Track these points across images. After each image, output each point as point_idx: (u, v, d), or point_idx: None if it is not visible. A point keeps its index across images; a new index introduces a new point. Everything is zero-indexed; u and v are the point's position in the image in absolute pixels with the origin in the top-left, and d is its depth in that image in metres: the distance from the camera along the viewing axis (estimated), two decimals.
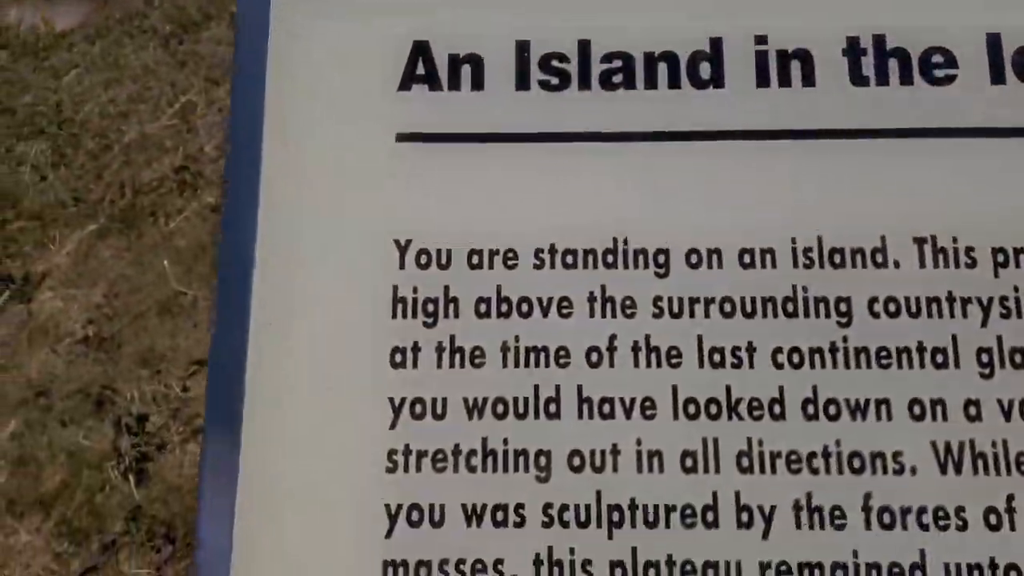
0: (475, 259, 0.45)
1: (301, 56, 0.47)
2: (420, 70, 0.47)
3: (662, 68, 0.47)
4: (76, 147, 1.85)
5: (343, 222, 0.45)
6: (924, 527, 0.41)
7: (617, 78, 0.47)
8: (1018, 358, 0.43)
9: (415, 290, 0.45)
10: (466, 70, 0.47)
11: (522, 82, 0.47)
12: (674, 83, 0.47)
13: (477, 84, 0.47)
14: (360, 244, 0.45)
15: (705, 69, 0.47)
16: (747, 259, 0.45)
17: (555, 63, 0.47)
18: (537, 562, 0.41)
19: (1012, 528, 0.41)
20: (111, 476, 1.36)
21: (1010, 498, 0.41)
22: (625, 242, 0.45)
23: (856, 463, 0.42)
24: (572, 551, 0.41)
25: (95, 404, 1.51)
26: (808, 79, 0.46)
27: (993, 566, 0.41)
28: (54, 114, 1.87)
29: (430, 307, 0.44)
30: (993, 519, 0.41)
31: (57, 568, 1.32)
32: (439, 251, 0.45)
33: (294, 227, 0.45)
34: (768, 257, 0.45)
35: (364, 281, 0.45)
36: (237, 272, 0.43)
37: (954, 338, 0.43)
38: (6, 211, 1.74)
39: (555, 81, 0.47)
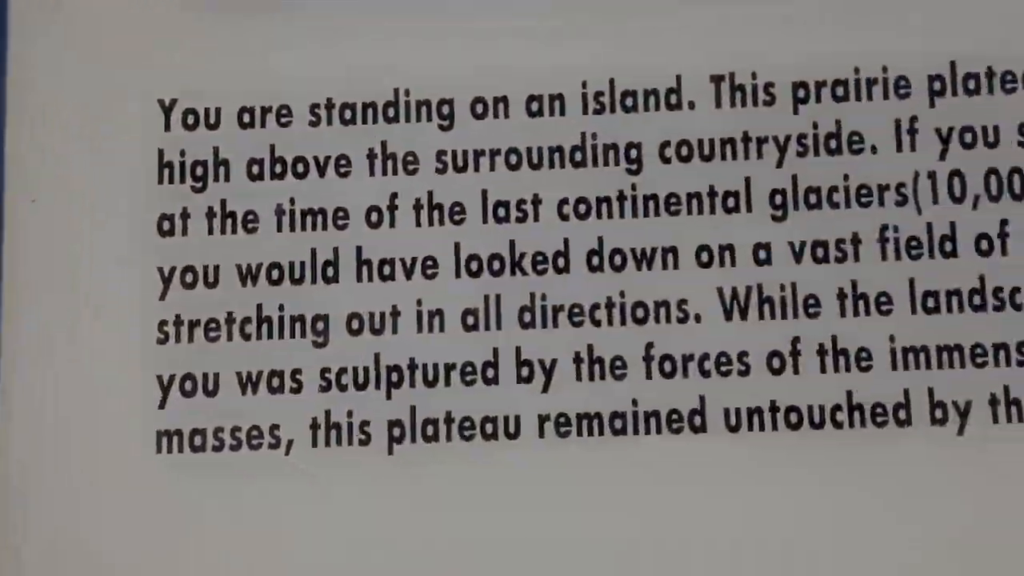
0: (246, 118, 0.42)
1: None
2: None
3: None
4: None
5: (99, 81, 0.42)
6: (705, 374, 0.40)
7: None
8: (812, 198, 0.41)
9: (182, 153, 0.42)
10: None
11: None
12: None
13: None
14: (120, 105, 0.41)
15: None
16: (535, 107, 0.42)
17: None
18: (314, 426, 0.40)
19: (795, 371, 0.40)
20: None
21: (795, 341, 0.40)
22: (407, 93, 0.42)
23: (639, 313, 0.41)
24: (350, 413, 0.40)
25: None
26: None
27: (773, 409, 0.40)
28: None
29: (199, 171, 0.42)
30: (776, 363, 0.40)
31: None
32: (207, 110, 0.42)
33: (44, 85, 0.42)
34: (557, 104, 0.42)
35: (126, 145, 0.41)
36: None
37: (747, 180, 0.41)
38: None
39: None
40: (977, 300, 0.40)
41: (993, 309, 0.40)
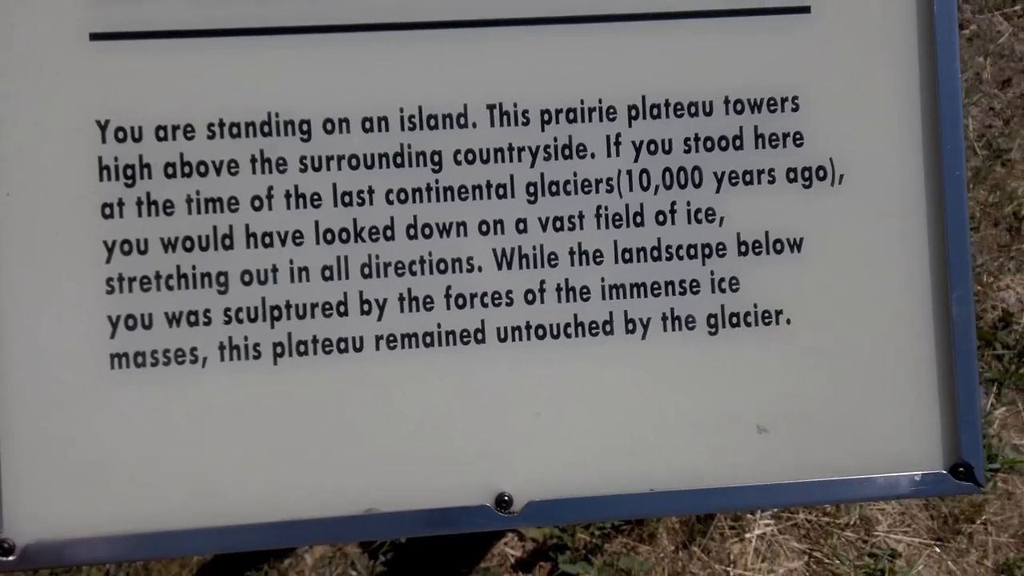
0: (161, 133, 0.59)
1: None
2: None
3: None
4: None
5: (50, 110, 0.57)
6: (485, 305, 0.61)
7: None
8: (554, 188, 0.62)
9: (116, 159, 0.58)
10: None
11: None
12: None
13: None
14: (67, 126, 0.58)
15: None
16: (368, 125, 0.61)
17: None
18: (221, 347, 0.59)
19: (542, 302, 0.61)
20: None
21: (542, 282, 0.61)
22: (277, 115, 0.60)
23: (442, 266, 0.61)
24: (246, 338, 0.59)
25: None
26: None
27: (528, 327, 0.61)
28: None
29: (129, 172, 0.58)
30: (530, 297, 0.61)
31: None
32: (132, 128, 0.59)
33: (7, 117, 0.57)
34: (383, 123, 0.61)
35: (74, 155, 0.58)
36: None
37: (512, 176, 0.62)
38: None
39: None
40: (656, 254, 0.62)
41: (665, 259, 0.62)
